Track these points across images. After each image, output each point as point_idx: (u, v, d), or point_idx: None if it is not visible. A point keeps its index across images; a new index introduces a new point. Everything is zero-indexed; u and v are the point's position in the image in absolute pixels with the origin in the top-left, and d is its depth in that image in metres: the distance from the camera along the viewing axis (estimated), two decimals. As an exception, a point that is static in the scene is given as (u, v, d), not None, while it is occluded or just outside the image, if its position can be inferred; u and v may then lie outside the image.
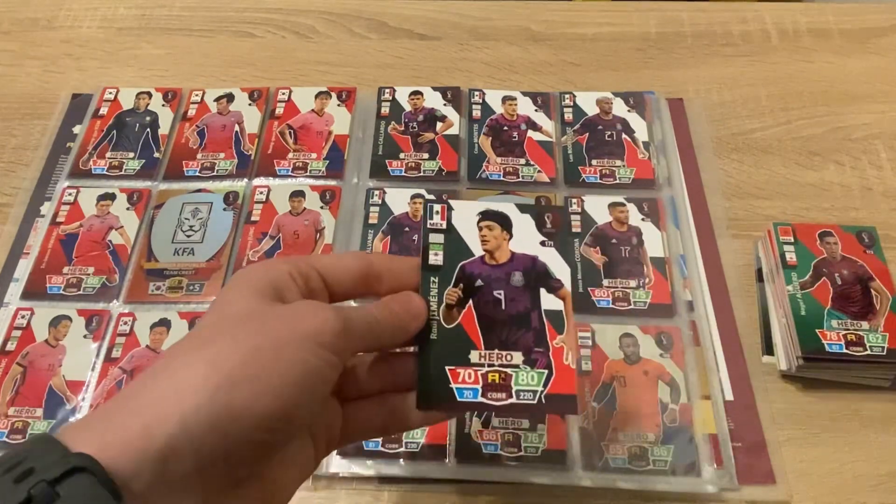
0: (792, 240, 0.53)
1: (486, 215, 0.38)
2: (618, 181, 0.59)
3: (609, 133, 0.62)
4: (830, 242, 0.53)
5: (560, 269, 0.37)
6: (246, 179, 0.60)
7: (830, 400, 0.49)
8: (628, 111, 0.63)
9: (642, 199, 0.58)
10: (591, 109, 0.64)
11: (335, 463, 0.47)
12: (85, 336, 0.53)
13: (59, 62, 0.71)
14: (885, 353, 0.47)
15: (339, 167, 0.61)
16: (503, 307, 0.36)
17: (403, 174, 0.60)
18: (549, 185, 0.59)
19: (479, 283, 0.37)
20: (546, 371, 0.35)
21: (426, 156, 0.61)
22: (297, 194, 0.59)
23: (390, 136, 0.62)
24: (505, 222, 0.38)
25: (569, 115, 0.63)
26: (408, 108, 0.64)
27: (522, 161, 0.60)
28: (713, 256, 0.55)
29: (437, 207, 0.38)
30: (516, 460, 0.46)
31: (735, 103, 0.66)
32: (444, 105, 0.64)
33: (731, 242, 0.56)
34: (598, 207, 0.57)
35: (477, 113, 0.64)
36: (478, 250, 0.37)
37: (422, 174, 0.60)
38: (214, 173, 0.61)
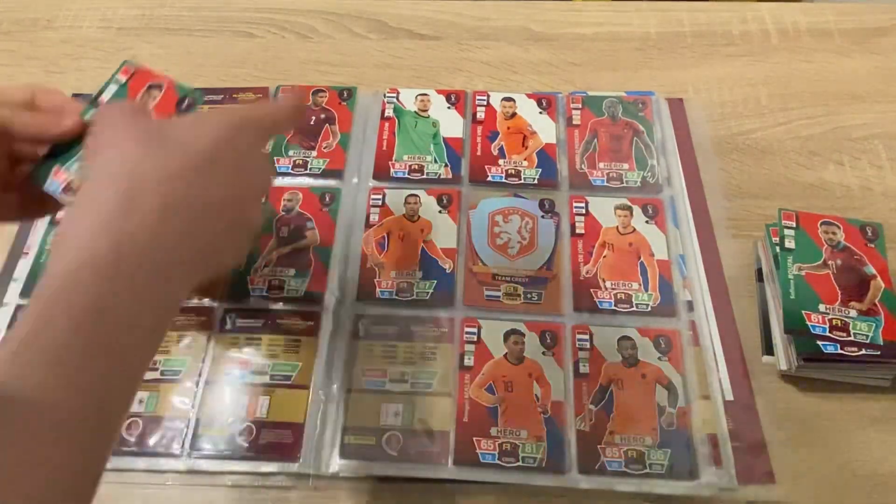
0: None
1: None
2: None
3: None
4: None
5: None
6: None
7: (830, 400, 0.49)
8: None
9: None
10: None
11: (335, 463, 0.47)
12: (85, 336, 0.52)
13: (59, 62, 0.71)
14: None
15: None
16: None
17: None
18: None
19: None
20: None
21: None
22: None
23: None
24: None
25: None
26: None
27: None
28: (713, 256, 0.55)
29: None
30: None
31: (735, 103, 0.66)
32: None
33: (730, 242, 0.56)
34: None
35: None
36: None
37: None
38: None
